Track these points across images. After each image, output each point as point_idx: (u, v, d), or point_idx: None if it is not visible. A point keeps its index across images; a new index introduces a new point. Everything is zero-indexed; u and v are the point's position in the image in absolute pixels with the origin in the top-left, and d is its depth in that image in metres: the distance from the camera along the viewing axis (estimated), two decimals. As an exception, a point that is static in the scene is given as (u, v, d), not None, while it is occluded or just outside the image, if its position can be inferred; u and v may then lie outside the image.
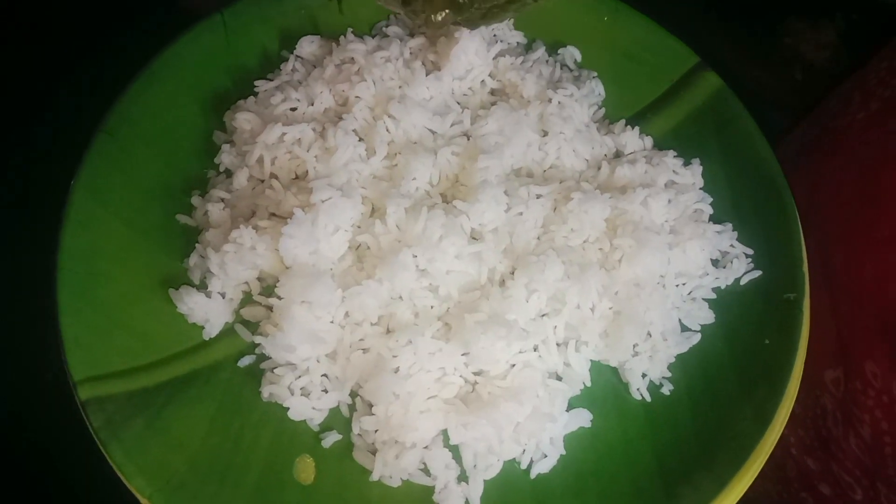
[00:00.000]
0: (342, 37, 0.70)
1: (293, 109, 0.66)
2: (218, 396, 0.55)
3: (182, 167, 0.64)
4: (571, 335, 0.58)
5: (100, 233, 0.58)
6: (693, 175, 0.66)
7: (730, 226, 0.64)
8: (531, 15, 0.75)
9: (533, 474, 0.54)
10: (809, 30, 0.85)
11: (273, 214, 0.61)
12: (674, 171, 0.66)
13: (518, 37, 0.75)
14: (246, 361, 0.57)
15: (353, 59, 0.68)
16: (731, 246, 0.63)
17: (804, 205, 0.63)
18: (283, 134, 0.63)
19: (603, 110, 0.71)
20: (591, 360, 0.59)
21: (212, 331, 0.58)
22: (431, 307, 0.57)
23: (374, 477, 0.52)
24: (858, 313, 0.55)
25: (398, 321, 0.57)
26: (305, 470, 0.54)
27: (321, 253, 0.57)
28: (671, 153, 0.67)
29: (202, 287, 0.59)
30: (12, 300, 0.68)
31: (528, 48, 0.75)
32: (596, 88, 0.71)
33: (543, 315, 0.58)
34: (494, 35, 0.73)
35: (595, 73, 0.73)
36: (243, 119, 0.64)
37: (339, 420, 0.56)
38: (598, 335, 0.58)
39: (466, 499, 0.53)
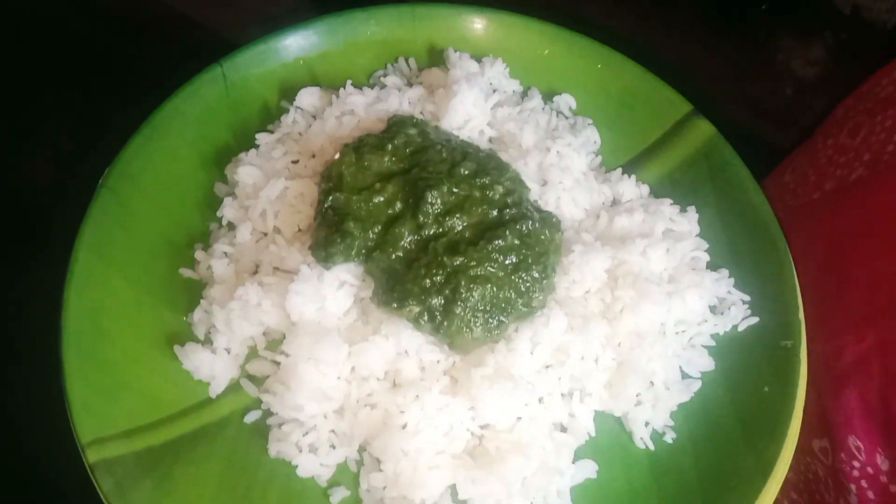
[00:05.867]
0: (342, 88, 0.71)
1: (295, 162, 0.67)
2: (225, 454, 0.55)
3: (184, 221, 0.65)
4: (576, 386, 0.59)
5: (104, 291, 0.58)
6: (689, 222, 0.67)
7: (726, 272, 0.65)
8: (526, 62, 0.77)
9: None
10: (799, 47, 0.89)
11: (277, 269, 0.61)
12: (670, 218, 0.67)
13: (514, 85, 0.76)
14: (252, 417, 0.57)
15: (353, 110, 0.70)
16: (729, 292, 0.65)
17: None
18: (286, 188, 0.63)
19: (600, 158, 0.73)
20: (594, 410, 0.59)
21: (217, 388, 0.58)
22: (438, 362, 0.58)
23: None
24: (840, 391, 0.57)
25: (405, 376, 0.57)
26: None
27: (327, 309, 0.58)
28: (667, 201, 0.68)
29: (207, 342, 0.59)
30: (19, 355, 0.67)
31: (523, 95, 0.76)
32: (592, 136, 0.73)
33: (548, 367, 0.59)
34: (491, 84, 0.75)
35: (591, 121, 0.74)
36: (245, 173, 0.65)
37: (347, 475, 0.56)
38: (601, 386, 0.59)
39: (476, 555, 0.53)
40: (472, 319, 0.56)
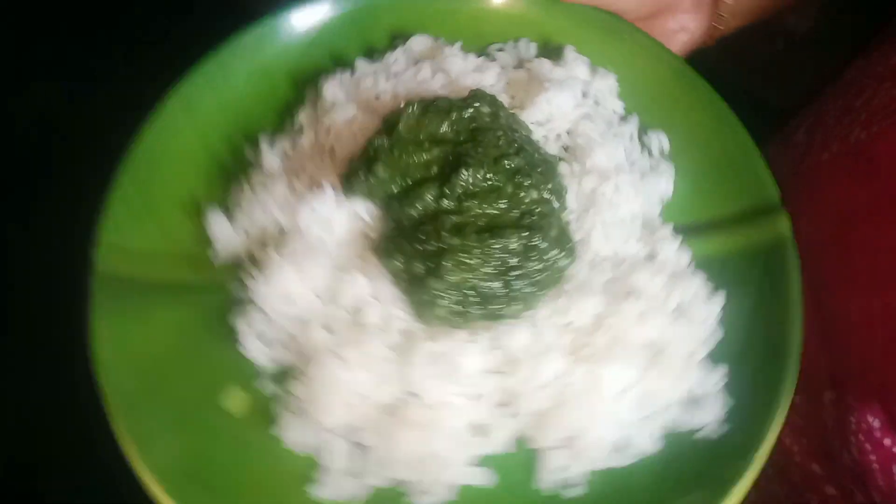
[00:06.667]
0: (449, 47, 0.74)
1: (377, 98, 0.71)
2: (201, 310, 0.63)
3: (269, 111, 0.72)
4: (510, 400, 0.60)
5: (176, 139, 0.67)
6: (709, 310, 0.64)
7: (723, 371, 0.62)
8: (640, 86, 0.75)
9: (413, 501, 0.57)
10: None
11: (314, 181, 0.67)
12: (694, 294, 0.64)
13: (616, 105, 0.75)
14: (235, 290, 0.64)
15: (448, 71, 0.72)
16: (712, 393, 0.61)
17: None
18: (355, 116, 0.68)
19: (660, 207, 0.70)
20: (517, 431, 0.60)
21: (221, 255, 0.65)
22: (400, 319, 0.61)
23: (279, 434, 0.58)
24: (845, 351, 0.60)
25: (367, 318, 0.61)
26: (235, 399, 0.60)
27: (332, 231, 0.63)
28: (700, 279, 0.65)
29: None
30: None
31: (623, 119, 0.75)
32: (665, 185, 0.70)
33: (497, 373, 0.60)
34: (595, 98, 0.74)
35: (673, 170, 0.71)
36: (329, 89, 0.70)
37: (282, 373, 0.61)
38: (530, 412, 0.59)
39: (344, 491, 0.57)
40: (439, 299, 0.58)
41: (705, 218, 0.70)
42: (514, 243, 0.59)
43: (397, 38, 0.76)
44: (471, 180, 0.61)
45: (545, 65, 0.74)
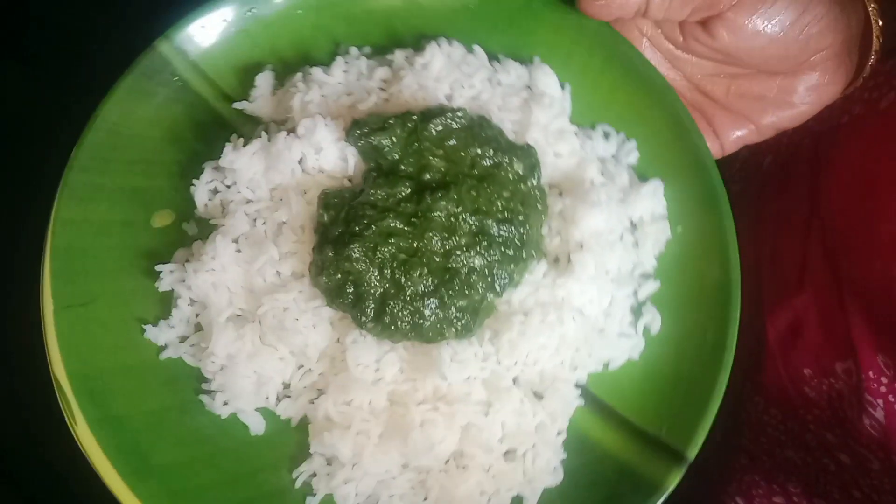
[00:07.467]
0: (561, 95, 0.70)
1: (462, 87, 0.69)
2: (203, 135, 0.69)
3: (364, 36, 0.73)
4: (321, 388, 0.63)
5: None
6: (543, 479, 0.61)
7: None
8: (680, 255, 0.68)
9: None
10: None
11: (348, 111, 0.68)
12: (535, 458, 0.61)
13: (650, 262, 0.69)
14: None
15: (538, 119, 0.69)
16: None
17: (808, 210, 0.67)
18: (424, 86, 0.67)
19: (599, 368, 0.66)
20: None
21: (250, 105, 0.69)
22: (301, 262, 0.63)
23: (160, 269, 0.64)
24: (867, 313, 0.61)
25: (281, 238, 0.63)
26: (163, 218, 0.67)
27: (318, 156, 0.65)
28: (557, 451, 0.62)
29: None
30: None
31: (644, 276, 0.69)
32: (620, 358, 0.66)
33: (331, 362, 0.63)
34: (636, 242, 0.69)
35: (639, 353, 0.66)
36: (430, 52, 0.68)
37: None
38: (324, 413, 0.61)
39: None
40: (326, 271, 0.60)
41: (625, 412, 0.65)
42: (418, 285, 0.59)
43: (536, 57, 0.73)
44: (441, 209, 0.61)
45: (620, 178, 0.69)
